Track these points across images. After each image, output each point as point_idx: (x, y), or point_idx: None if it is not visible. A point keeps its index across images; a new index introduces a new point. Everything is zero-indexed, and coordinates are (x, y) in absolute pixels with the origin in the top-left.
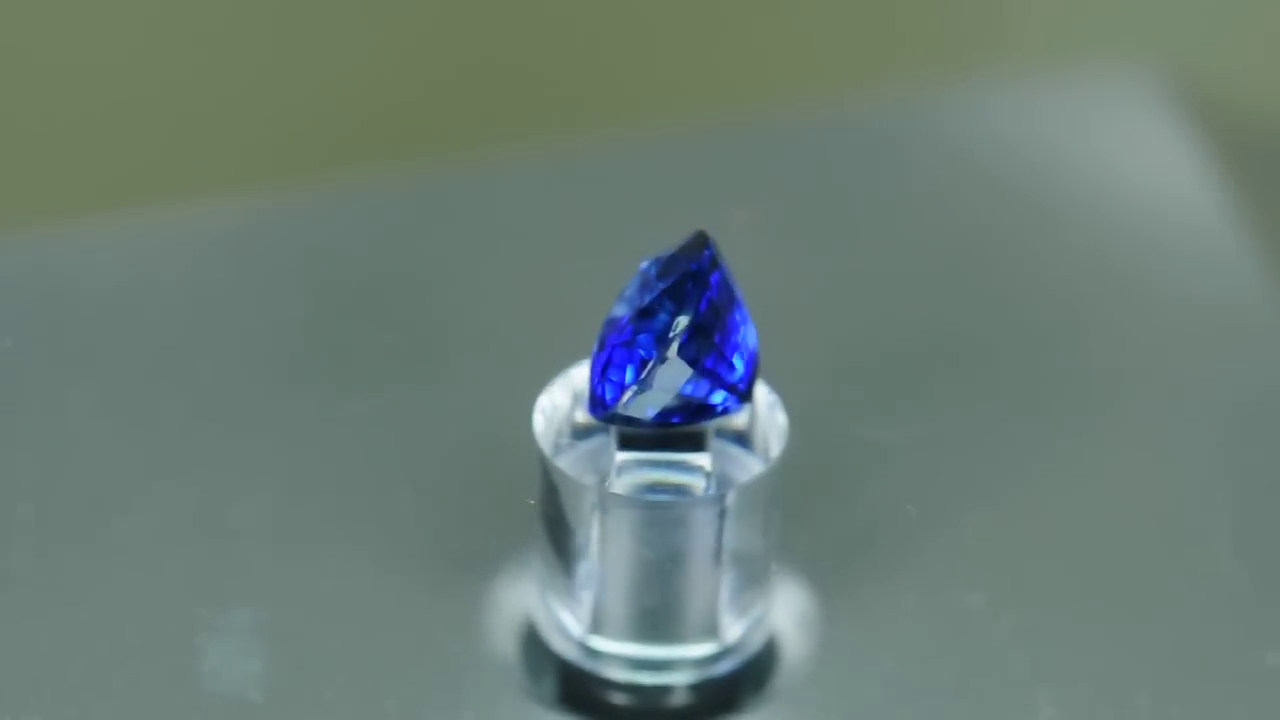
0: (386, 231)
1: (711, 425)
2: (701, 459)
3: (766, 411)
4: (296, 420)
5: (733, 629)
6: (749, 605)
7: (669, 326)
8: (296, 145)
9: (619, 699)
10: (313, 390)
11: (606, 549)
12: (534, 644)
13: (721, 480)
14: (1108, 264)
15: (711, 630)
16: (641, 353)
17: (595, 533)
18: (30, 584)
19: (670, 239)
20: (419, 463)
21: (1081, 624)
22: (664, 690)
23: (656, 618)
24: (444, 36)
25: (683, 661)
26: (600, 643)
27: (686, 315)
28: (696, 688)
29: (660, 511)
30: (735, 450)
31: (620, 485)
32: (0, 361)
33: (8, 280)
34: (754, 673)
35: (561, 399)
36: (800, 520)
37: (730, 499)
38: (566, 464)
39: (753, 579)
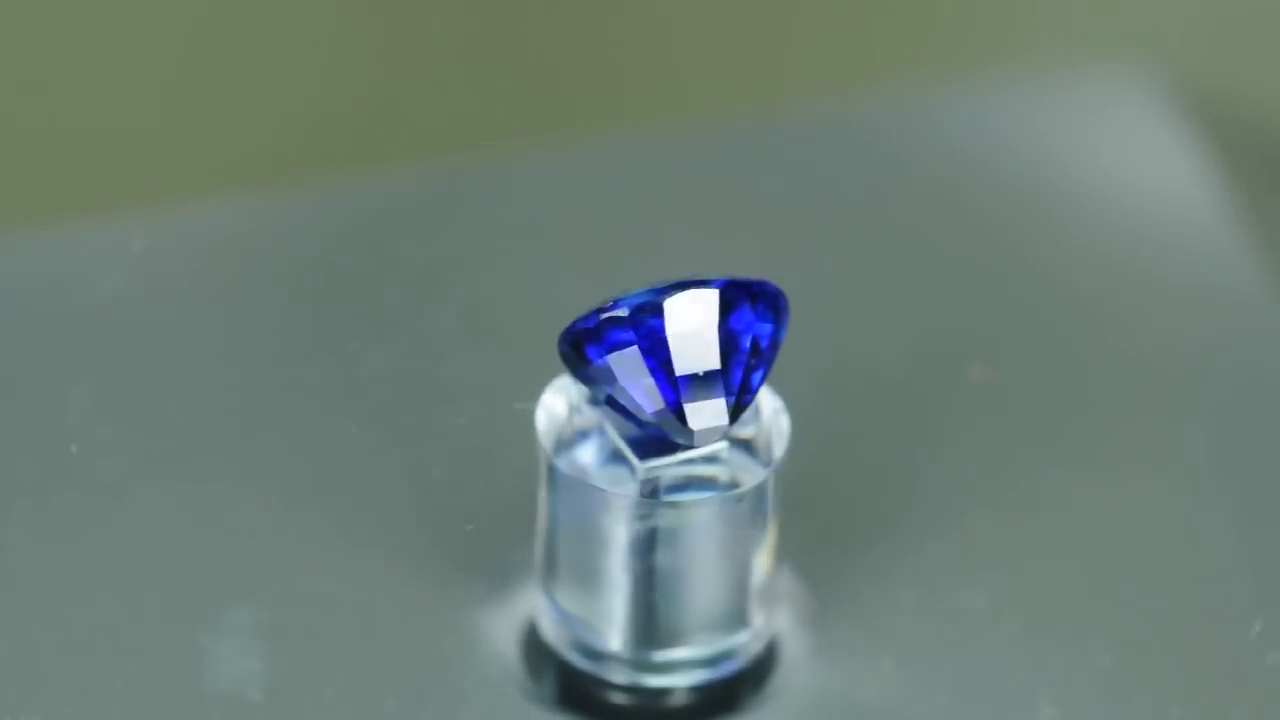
0: (386, 231)
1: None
2: (719, 447)
3: (771, 416)
4: (297, 420)
5: (750, 625)
6: (753, 607)
7: (605, 305)
8: (296, 145)
9: (619, 699)
10: (313, 390)
11: (648, 564)
12: (534, 644)
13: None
14: (1107, 264)
15: (740, 621)
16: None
17: (619, 538)
18: (30, 584)
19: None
20: (419, 463)
21: (1081, 624)
22: (664, 691)
23: (677, 619)
24: (445, 37)
25: (673, 663)
26: (624, 649)
27: (625, 305)
28: (697, 688)
29: (701, 507)
30: (736, 454)
31: (646, 491)
32: (0, 361)
33: (8, 280)
34: (754, 673)
35: (562, 399)
36: (800, 520)
37: (747, 489)
38: (567, 464)
39: (755, 580)
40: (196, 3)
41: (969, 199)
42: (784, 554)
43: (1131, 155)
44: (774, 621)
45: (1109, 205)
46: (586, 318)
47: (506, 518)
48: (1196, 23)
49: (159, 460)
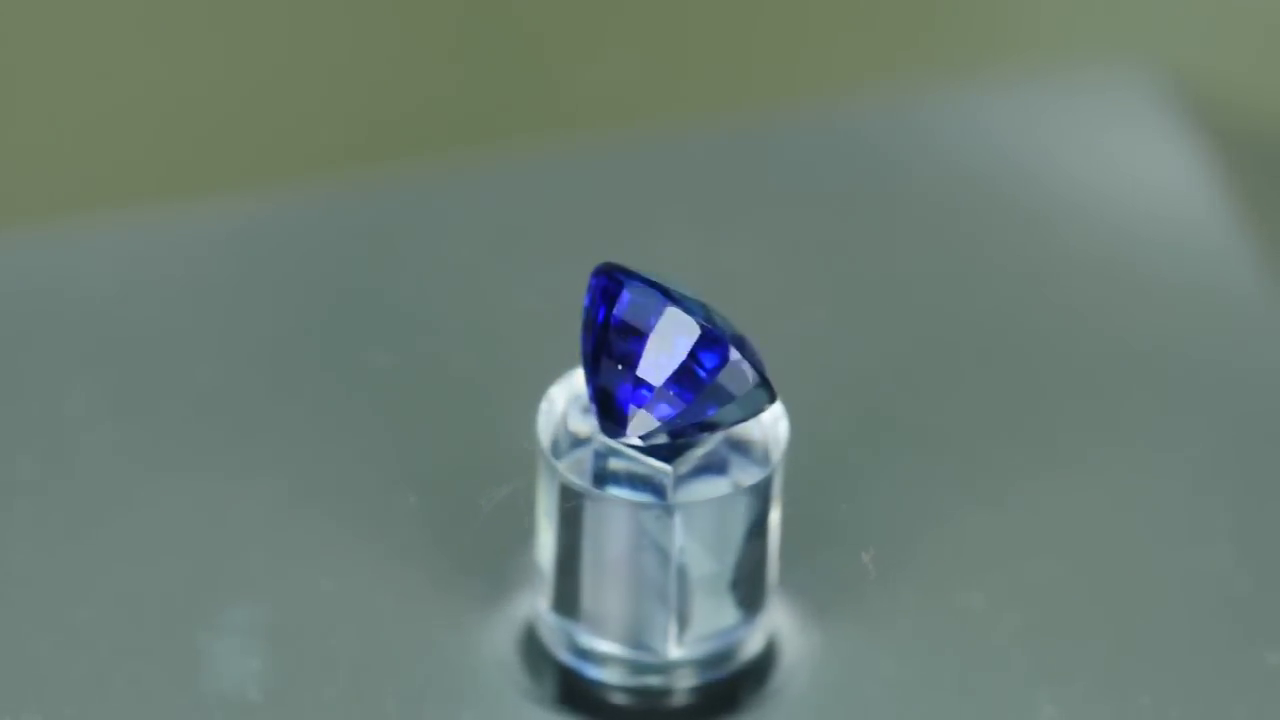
0: (386, 232)
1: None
2: (665, 468)
3: (770, 421)
4: (296, 420)
5: (697, 641)
6: (750, 607)
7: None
8: (296, 145)
9: (619, 699)
10: (313, 390)
11: (571, 539)
12: (534, 644)
13: (687, 492)
14: (1107, 265)
15: (660, 638)
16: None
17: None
18: (30, 584)
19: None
20: (419, 463)
21: (1081, 624)
22: (664, 691)
23: (612, 612)
24: (444, 36)
25: (673, 664)
26: (554, 621)
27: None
28: (697, 688)
29: (609, 506)
30: (733, 455)
31: (585, 471)
32: (0, 361)
33: (8, 280)
34: (754, 673)
35: (563, 400)
36: (800, 520)
37: (680, 515)
38: (567, 466)
39: (752, 582)
40: (196, 3)
41: (968, 200)
42: (784, 554)
43: (1131, 156)
44: (774, 620)
45: (1109, 206)
46: (621, 278)
47: (506, 518)
48: (1198, 23)
49: (159, 460)
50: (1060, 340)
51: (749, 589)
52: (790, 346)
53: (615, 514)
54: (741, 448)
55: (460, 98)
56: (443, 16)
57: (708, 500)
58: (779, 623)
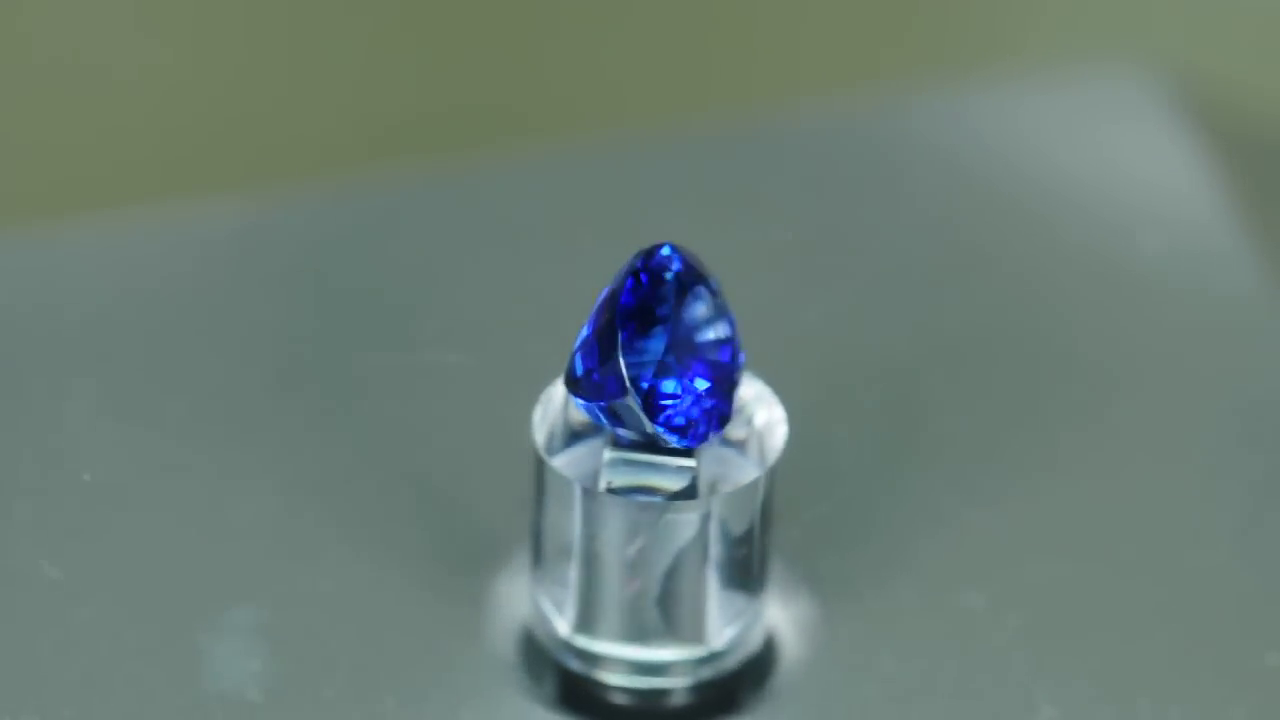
0: (386, 231)
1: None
2: (688, 462)
3: (768, 422)
4: (296, 420)
5: (724, 632)
6: (744, 606)
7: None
8: (296, 145)
9: (618, 699)
10: (313, 390)
11: (592, 549)
12: (534, 644)
13: (711, 485)
14: (1107, 264)
15: (698, 634)
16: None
17: (581, 532)
18: (30, 584)
19: (664, 239)
20: (419, 463)
21: (1081, 624)
22: (663, 691)
23: (642, 619)
24: (444, 36)
25: (671, 664)
26: (585, 643)
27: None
28: (696, 688)
29: (643, 512)
30: (730, 454)
31: (605, 484)
32: (0, 361)
33: (8, 280)
34: (754, 673)
35: (559, 399)
36: (800, 520)
37: (715, 505)
38: (562, 465)
39: (748, 580)
40: (194, 3)
41: (968, 199)
42: (784, 553)
43: (1131, 156)
44: (774, 620)
45: (1109, 206)
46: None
47: (506, 518)
48: (1198, 23)
49: (159, 460)
50: (1060, 340)
51: (677, 611)
52: (788, 346)
53: (555, 479)
54: (739, 449)
55: (461, 98)
56: (443, 17)
57: (634, 501)
58: (779, 622)
